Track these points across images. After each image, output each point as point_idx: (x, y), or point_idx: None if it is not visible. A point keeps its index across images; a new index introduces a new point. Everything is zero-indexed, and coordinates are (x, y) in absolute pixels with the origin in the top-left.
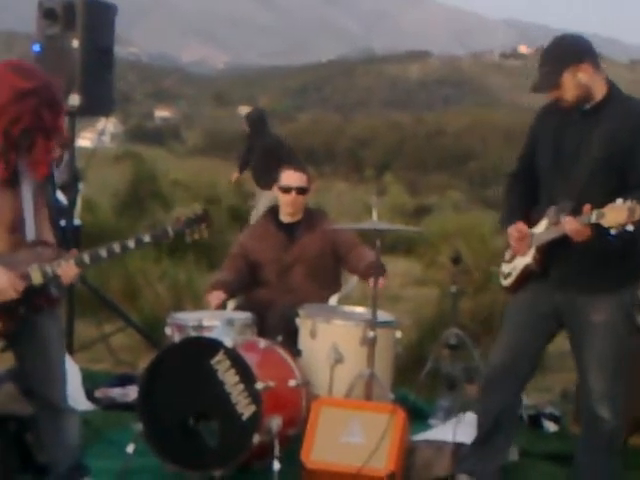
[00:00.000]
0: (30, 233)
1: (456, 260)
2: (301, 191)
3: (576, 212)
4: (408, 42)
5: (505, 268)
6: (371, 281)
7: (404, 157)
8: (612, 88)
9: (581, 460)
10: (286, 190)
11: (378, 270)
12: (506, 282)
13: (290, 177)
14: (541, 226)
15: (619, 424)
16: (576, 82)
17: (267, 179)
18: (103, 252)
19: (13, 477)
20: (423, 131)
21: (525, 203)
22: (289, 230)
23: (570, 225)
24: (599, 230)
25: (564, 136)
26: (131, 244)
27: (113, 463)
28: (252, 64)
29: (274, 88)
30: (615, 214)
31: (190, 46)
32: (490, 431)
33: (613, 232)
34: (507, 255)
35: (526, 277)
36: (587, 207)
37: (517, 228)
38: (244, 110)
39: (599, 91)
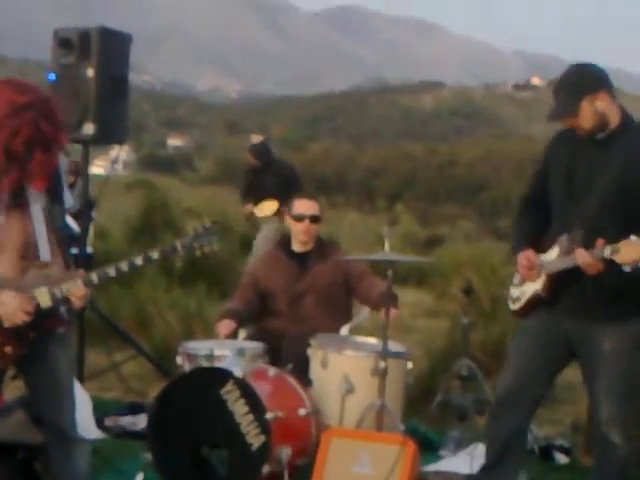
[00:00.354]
0: (44, 254)
1: (467, 291)
2: (314, 219)
3: (587, 241)
4: (421, 73)
5: (514, 292)
6: (383, 311)
7: (416, 187)
8: (626, 117)
9: None
10: (299, 219)
11: (390, 300)
12: (514, 307)
13: (303, 205)
14: (552, 254)
15: (631, 450)
16: (594, 110)
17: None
18: (111, 270)
19: None
20: (435, 162)
21: (536, 229)
22: (301, 260)
23: (583, 258)
24: (612, 265)
25: (577, 164)
26: (139, 261)
27: None
28: (265, 93)
29: (286, 117)
30: (629, 250)
31: (204, 75)
32: (498, 457)
33: (627, 269)
34: (516, 279)
35: (535, 304)
36: (600, 242)
37: (526, 256)
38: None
39: (614, 120)
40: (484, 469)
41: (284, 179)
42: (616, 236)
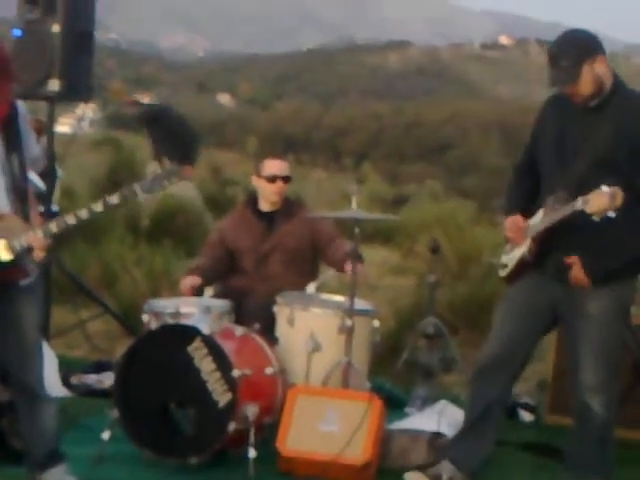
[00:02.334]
0: (2, 206)
1: (434, 249)
2: (286, 179)
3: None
4: (389, 32)
5: (504, 259)
6: (348, 268)
7: (383, 147)
8: (617, 82)
9: (572, 451)
10: (272, 179)
11: (356, 257)
12: (503, 273)
13: (275, 166)
14: (537, 217)
15: (610, 417)
16: (593, 75)
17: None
18: (70, 218)
19: None
20: (402, 121)
21: (526, 197)
22: (268, 219)
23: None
24: (584, 218)
25: (567, 131)
26: (98, 207)
27: (88, 450)
28: (232, 51)
29: (254, 76)
30: (597, 200)
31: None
32: (479, 420)
33: (595, 219)
34: (508, 247)
35: (522, 268)
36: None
37: (512, 220)
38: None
39: (607, 85)
40: (463, 432)
41: (178, 128)
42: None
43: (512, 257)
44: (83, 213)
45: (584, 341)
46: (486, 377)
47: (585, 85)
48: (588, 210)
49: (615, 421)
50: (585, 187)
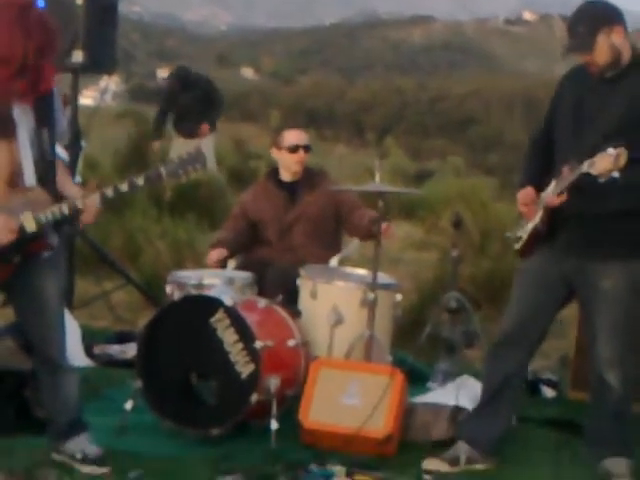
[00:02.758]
0: (29, 179)
1: (457, 224)
2: (307, 149)
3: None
4: (412, 6)
5: (519, 232)
6: (377, 230)
7: (406, 121)
8: (636, 54)
9: (589, 426)
10: (293, 149)
11: (380, 228)
12: (517, 246)
13: (295, 136)
14: (550, 188)
15: (626, 392)
16: (610, 44)
17: (195, 124)
18: (122, 187)
19: (9, 432)
20: (425, 96)
21: (541, 169)
22: (290, 189)
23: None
24: (590, 179)
25: (584, 102)
26: (124, 187)
27: (111, 419)
28: (255, 25)
29: (277, 50)
30: (603, 161)
31: (193, 5)
32: (494, 396)
33: (602, 180)
34: (523, 221)
35: (535, 240)
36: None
37: (525, 192)
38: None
39: (625, 57)
40: (478, 409)
41: (204, 94)
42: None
43: (526, 230)
44: (109, 191)
45: (598, 315)
46: (502, 352)
47: (600, 54)
48: (594, 172)
49: (632, 397)
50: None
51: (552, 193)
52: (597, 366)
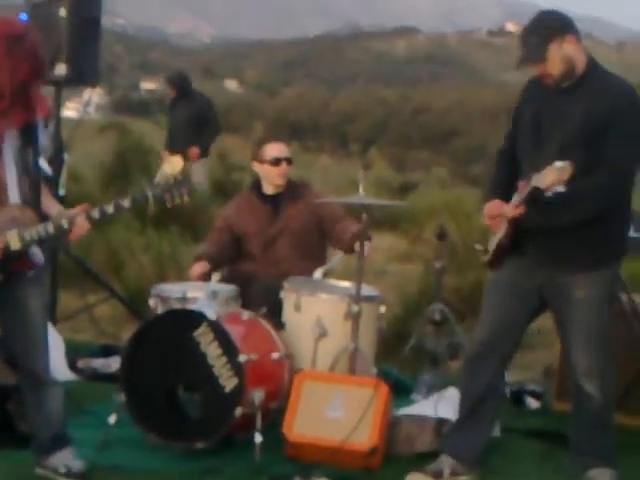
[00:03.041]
0: (14, 197)
1: (441, 236)
2: (289, 161)
3: None
4: (395, 19)
5: (489, 245)
6: (357, 247)
7: (389, 133)
8: (591, 63)
9: (573, 437)
10: (276, 162)
11: (363, 242)
12: (485, 258)
13: (277, 149)
14: (513, 201)
15: (607, 401)
16: (562, 55)
17: (185, 142)
18: (108, 209)
19: None
20: (409, 107)
21: (508, 181)
22: (273, 202)
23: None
24: (538, 194)
25: (541, 114)
26: (110, 209)
27: (94, 434)
28: (239, 37)
29: (260, 62)
30: (548, 175)
31: (177, 18)
32: (474, 409)
33: (548, 194)
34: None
35: (501, 252)
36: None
37: (490, 205)
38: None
39: (580, 66)
40: (458, 423)
41: (200, 112)
42: (581, 173)
43: (492, 242)
44: (95, 213)
45: (572, 326)
46: (477, 365)
47: (553, 64)
48: (541, 186)
49: (614, 405)
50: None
51: (512, 206)
52: (575, 376)
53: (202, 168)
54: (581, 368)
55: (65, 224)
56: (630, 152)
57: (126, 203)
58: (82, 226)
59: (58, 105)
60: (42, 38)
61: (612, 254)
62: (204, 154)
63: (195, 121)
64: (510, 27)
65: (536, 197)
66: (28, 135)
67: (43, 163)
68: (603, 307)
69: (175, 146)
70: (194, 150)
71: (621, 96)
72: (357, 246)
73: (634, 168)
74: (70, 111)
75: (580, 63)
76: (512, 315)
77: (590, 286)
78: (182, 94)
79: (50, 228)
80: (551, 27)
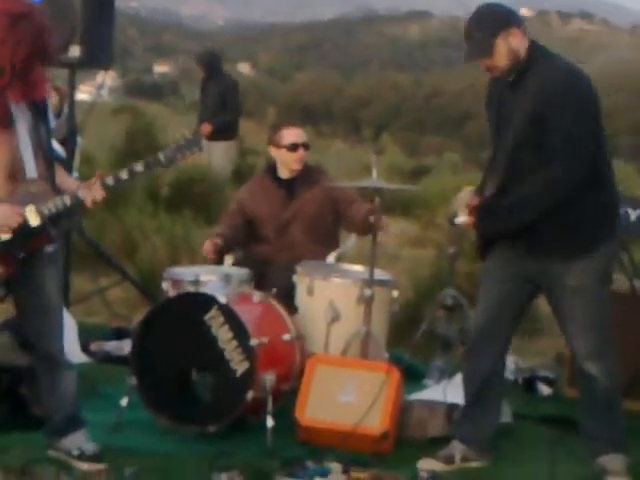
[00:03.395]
0: (30, 171)
1: (453, 221)
2: (306, 147)
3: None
4: (409, 2)
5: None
6: (372, 221)
7: (402, 117)
8: (532, 52)
9: (583, 423)
10: (293, 148)
11: (377, 225)
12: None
13: (294, 134)
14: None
15: (614, 383)
16: (508, 48)
17: (225, 128)
18: (122, 175)
19: (5, 428)
20: (422, 92)
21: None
22: (288, 186)
23: None
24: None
25: (500, 107)
26: (124, 175)
27: (107, 416)
28: (252, 21)
29: (274, 45)
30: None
31: (190, 0)
32: (478, 395)
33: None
34: None
35: (482, 243)
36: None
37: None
38: (243, 68)
39: (524, 56)
40: (465, 410)
41: (225, 93)
42: (533, 168)
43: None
44: (109, 180)
45: (570, 312)
46: (477, 352)
47: (500, 57)
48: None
49: (620, 389)
50: (511, 170)
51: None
52: (578, 360)
53: (223, 151)
54: (583, 353)
55: (81, 194)
56: (573, 136)
57: (139, 167)
58: (97, 193)
59: (72, 88)
60: (54, 21)
61: (598, 237)
62: (227, 137)
63: (220, 102)
64: (524, 12)
65: (483, 209)
66: (39, 113)
67: (57, 146)
68: (599, 291)
69: (217, 133)
70: (206, 126)
71: (555, 84)
72: (371, 220)
73: (583, 151)
74: (83, 94)
75: (524, 54)
76: (506, 299)
77: (582, 273)
78: (211, 74)
79: (67, 200)
80: (496, 21)
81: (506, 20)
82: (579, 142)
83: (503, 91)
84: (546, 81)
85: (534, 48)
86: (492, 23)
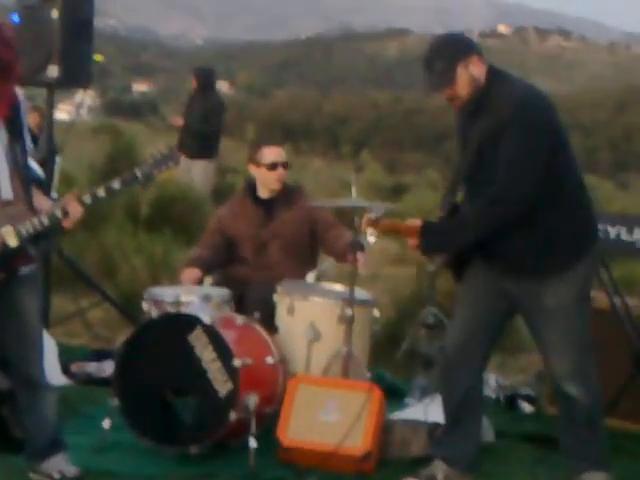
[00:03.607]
0: (6, 193)
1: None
2: (286, 166)
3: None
4: (387, 19)
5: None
6: (350, 258)
7: (381, 135)
8: (490, 78)
9: (563, 440)
10: (272, 167)
11: (356, 247)
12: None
13: (274, 153)
14: None
15: (594, 402)
16: (469, 76)
17: (206, 146)
18: (99, 192)
19: None
20: (401, 109)
21: None
22: (267, 206)
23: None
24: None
25: (464, 135)
26: (101, 192)
27: (89, 438)
28: (231, 39)
29: (253, 64)
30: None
31: (169, 19)
32: (457, 414)
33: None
34: None
35: (451, 265)
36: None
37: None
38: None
39: (483, 84)
40: (445, 429)
41: (212, 111)
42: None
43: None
44: (86, 198)
45: (547, 332)
46: (452, 371)
47: (462, 87)
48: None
49: (601, 407)
50: (466, 185)
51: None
52: (557, 382)
53: (202, 170)
54: (562, 373)
55: (58, 213)
56: (515, 164)
57: (116, 185)
58: (75, 212)
59: (50, 107)
60: (32, 40)
61: (574, 255)
62: (207, 155)
63: (204, 117)
64: (502, 29)
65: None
66: (14, 132)
67: (35, 165)
68: (577, 309)
69: (199, 151)
70: (177, 119)
71: (506, 111)
72: (350, 257)
73: (524, 179)
74: (62, 113)
75: (483, 82)
76: (482, 317)
77: (558, 292)
78: (204, 88)
79: (44, 219)
80: (455, 50)
81: (465, 49)
82: (520, 170)
83: (465, 119)
84: (500, 107)
85: (492, 73)
86: (452, 53)
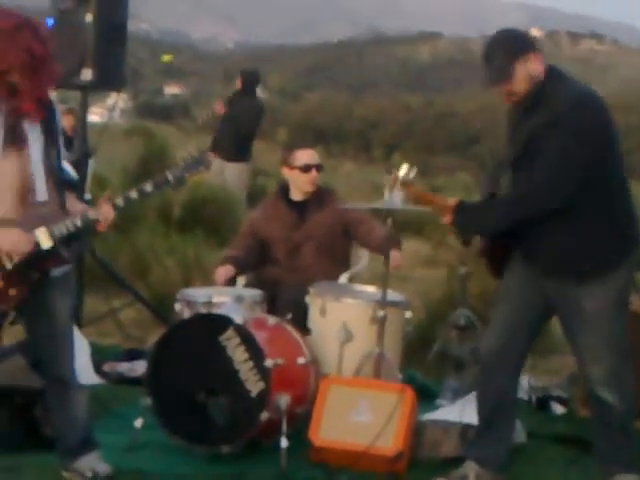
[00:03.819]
0: (41, 194)
1: (465, 241)
2: (319, 168)
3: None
4: (419, 23)
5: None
6: (384, 257)
7: (413, 138)
8: (549, 76)
9: (595, 443)
10: (306, 169)
11: (390, 246)
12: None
13: (308, 155)
14: None
15: (628, 408)
16: (526, 72)
17: (241, 148)
18: (132, 195)
19: (19, 450)
20: (432, 112)
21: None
22: (300, 208)
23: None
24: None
25: (516, 131)
26: (133, 195)
27: (120, 437)
28: (262, 42)
29: (284, 67)
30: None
31: (201, 23)
32: (491, 416)
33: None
34: None
35: (489, 258)
36: None
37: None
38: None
39: (540, 82)
40: (479, 430)
41: (252, 111)
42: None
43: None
44: (119, 201)
45: (585, 337)
46: (491, 372)
47: (519, 83)
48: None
49: (634, 412)
50: (516, 181)
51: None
52: (590, 386)
53: (237, 172)
54: (596, 379)
55: (91, 215)
56: (553, 169)
57: (148, 187)
58: (108, 214)
59: (84, 110)
60: (67, 44)
61: (614, 259)
62: (241, 158)
63: (243, 118)
64: (535, 32)
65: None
66: (49, 134)
67: (69, 168)
68: (615, 313)
69: (234, 154)
70: (221, 106)
71: (562, 106)
72: (384, 252)
73: (569, 172)
74: (95, 116)
75: (541, 79)
76: (520, 319)
77: (598, 296)
78: (247, 91)
79: (77, 221)
80: (514, 46)
81: (524, 45)
82: (557, 169)
83: (520, 116)
84: (555, 104)
85: (550, 72)
86: (511, 48)
